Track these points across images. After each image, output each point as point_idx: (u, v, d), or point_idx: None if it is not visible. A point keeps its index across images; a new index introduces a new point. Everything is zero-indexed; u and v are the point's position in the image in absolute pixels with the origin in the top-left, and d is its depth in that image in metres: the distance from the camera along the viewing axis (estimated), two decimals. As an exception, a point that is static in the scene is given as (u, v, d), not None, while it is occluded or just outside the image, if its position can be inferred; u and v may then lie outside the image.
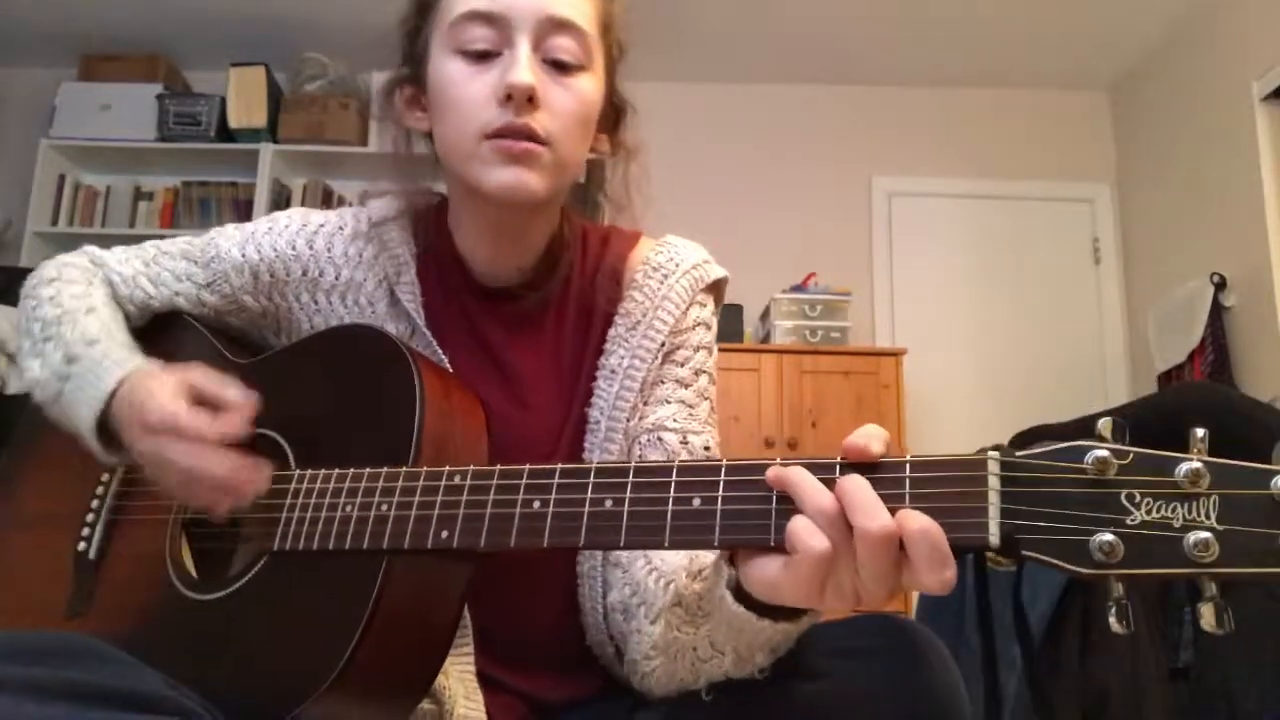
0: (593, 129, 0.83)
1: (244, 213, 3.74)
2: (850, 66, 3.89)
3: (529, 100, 0.75)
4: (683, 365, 0.85)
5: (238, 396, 0.72)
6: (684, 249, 0.89)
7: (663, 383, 0.84)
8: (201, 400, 0.72)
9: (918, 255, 3.89)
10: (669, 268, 0.86)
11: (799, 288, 3.51)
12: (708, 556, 0.68)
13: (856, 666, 0.63)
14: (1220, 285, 3.17)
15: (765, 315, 3.54)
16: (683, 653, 0.67)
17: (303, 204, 3.82)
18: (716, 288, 0.90)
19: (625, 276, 0.87)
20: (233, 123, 3.72)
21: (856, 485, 0.51)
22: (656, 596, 0.73)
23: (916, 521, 0.49)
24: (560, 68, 0.78)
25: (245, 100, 3.72)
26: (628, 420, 0.82)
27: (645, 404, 0.83)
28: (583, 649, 0.83)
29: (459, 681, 0.74)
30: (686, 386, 0.84)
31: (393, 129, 0.87)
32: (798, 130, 3.98)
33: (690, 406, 0.84)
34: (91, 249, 0.93)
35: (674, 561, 0.74)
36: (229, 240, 0.89)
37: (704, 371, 0.86)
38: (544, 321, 0.87)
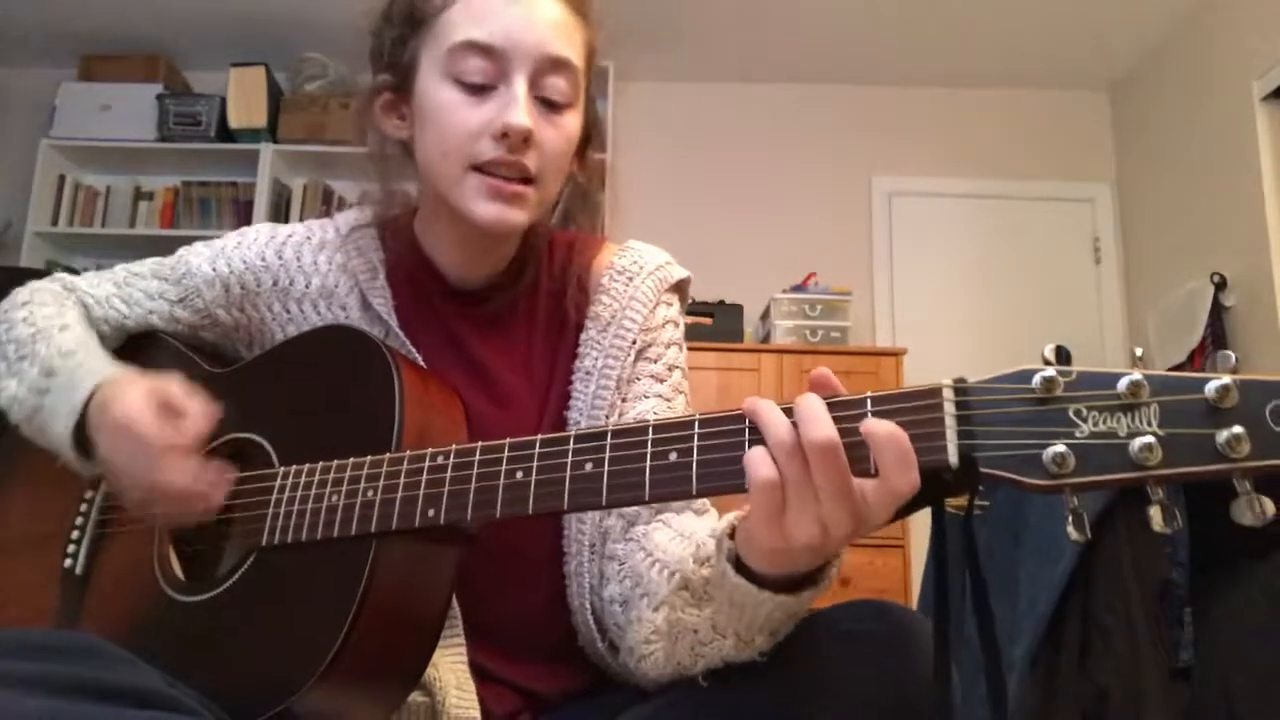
0: (570, 159, 0.85)
1: (244, 213, 3.74)
2: (850, 66, 3.89)
3: (524, 141, 0.76)
4: (656, 362, 0.87)
5: (199, 407, 0.74)
6: (646, 252, 0.91)
7: (639, 379, 0.86)
8: (170, 409, 0.73)
9: (918, 255, 3.89)
10: (634, 270, 0.89)
11: (799, 288, 3.51)
12: (713, 545, 0.69)
13: (845, 648, 0.64)
14: (1220, 285, 3.17)
15: (765, 315, 3.54)
16: (684, 635, 0.68)
17: (303, 204, 3.84)
18: (680, 288, 0.92)
19: (592, 282, 0.89)
20: (233, 123, 3.72)
21: (809, 400, 0.54)
22: (660, 586, 0.74)
23: (882, 428, 0.52)
24: (551, 106, 0.79)
25: (245, 100, 3.72)
26: (606, 418, 0.83)
27: (623, 401, 0.85)
28: (575, 644, 0.83)
29: (450, 672, 0.74)
30: (662, 381, 0.87)
31: (371, 132, 0.88)
32: (797, 130, 3.98)
33: (668, 400, 0.86)
34: (62, 275, 0.94)
35: (678, 552, 0.75)
36: (199, 256, 0.90)
37: (677, 367, 0.89)
38: (515, 323, 0.88)
